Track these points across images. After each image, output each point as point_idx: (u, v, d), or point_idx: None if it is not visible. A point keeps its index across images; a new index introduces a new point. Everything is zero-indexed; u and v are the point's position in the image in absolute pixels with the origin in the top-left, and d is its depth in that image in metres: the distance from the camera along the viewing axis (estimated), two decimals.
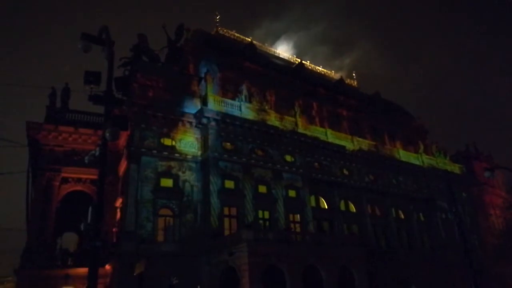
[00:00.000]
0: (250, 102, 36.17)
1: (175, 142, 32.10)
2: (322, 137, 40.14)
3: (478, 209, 54.73)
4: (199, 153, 32.79)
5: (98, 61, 12.38)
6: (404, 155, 48.14)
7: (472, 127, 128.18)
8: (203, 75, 35.98)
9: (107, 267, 30.03)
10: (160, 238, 29.01)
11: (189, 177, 31.72)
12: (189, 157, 32.21)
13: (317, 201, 38.36)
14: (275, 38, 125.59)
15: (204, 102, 33.59)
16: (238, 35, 50.78)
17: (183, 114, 32.66)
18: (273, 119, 36.83)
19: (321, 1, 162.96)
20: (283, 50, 67.77)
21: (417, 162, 48.96)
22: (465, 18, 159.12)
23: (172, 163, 31.32)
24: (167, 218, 29.92)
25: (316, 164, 39.21)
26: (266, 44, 54.96)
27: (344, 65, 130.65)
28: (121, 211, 30.69)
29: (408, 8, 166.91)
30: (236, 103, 35.26)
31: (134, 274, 22.28)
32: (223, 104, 34.38)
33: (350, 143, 42.55)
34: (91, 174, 32.37)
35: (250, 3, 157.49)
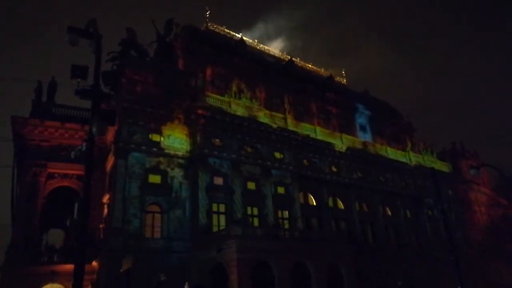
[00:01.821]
0: (239, 98, 36.08)
1: (164, 138, 31.87)
2: (311, 134, 40.27)
3: (464, 206, 55.59)
4: (188, 149, 32.62)
5: (85, 55, 12.19)
6: (391, 153, 48.61)
7: (458, 126, 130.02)
8: (192, 71, 35.74)
9: (94, 263, 29.75)
10: (148, 234, 28.85)
11: (177, 173, 31.57)
12: (177, 153, 32.03)
13: (306, 198, 38.56)
14: (268, 36, 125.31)
15: (193, 98, 33.38)
16: (228, 31, 50.48)
17: (172, 109, 32.44)
18: (262, 115, 36.81)
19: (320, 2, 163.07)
20: (276, 47, 67.62)
21: (404, 160, 49.47)
22: (462, 17, 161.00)
23: (161, 159, 31.12)
24: (155, 214, 29.77)
25: (305, 161, 39.35)
26: (257, 41, 54.72)
27: (335, 62, 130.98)
28: (108, 207, 30.39)
29: (404, 6, 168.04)
30: (226, 99, 35.13)
31: (121, 271, 22.06)
32: (212, 100, 34.22)
33: (339, 140, 42.78)
34: (78, 170, 31.94)
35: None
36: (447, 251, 36.10)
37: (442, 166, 54.31)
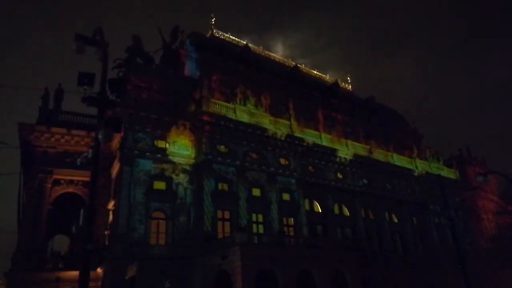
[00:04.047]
0: (244, 105, 36.12)
1: (169, 145, 31.95)
2: (317, 141, 40.16)
3: (471, 214, 55.03)
4: (193, 155, 32.65)
5: (92, 62, 12.28)
6: (398, 160, 48.33)
7: (465, 132, 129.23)
8: (197, 78, 35.90)
9: (99, 270, 29.74)
10: (153, 241, 28.81)
11: (182, 179, 31.58)
12: (182, 159, 32.07)
13: (311, 205, 38.34)
14: (275, 42, 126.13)
15: (199, 104, 33.49)
16: (233, 37, 50.75)
17: (177, 116, 32.54)
18: (267, 122, 36.80)
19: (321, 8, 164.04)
20: (282, 53, 67.91)
21: (410, 167, 49.15)
22: (462, 19, 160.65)
23: (166, 166, 31.17)
24: (160, 221, 29.74)
25: (310, 167, 39.22)
26: (262, 47, 54.88)
27: (341, 68, 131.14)
28: (113, 213, 30.42)
29: (405, 9, 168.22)
30: (231, 105, 35.18)
31: (126, 278, 22.06)
32: (217, 106, 34.29)
33: (344, 147, 42.63)
34: (84, 176, 32.11)
35: (256, 6, 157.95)
36: (454, 259, 35.74)
37: (449, 173, 53.89)
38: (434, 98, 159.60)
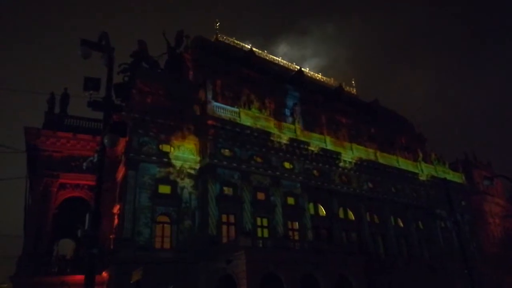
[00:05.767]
0: (249, 109, 36.17)
1: (174, 149, 32.04)
2: (321, 145, 40.09)
3: (477, 218, 54.61)
4: (198, 159, 32.73)
5: (98, 66, 12.36)
6: (403, 163, 48.08)
7: (471, 136, 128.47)
8: (202, 82, 36.00)
9: (104, 274, 29.78)
10: (158, 245, 28.84)
11: (187, 183, 31.63)
12: (187, 163, 32.15)
13: (316, 209, 38.25)
14: (277, 47, 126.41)
15: (203, 108, 33.59)
16: (238, 42, 50.96)
17: (182, 120, 32.64)
18: (272, 126, 36.79)
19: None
20: (284, 57, 67.96)
21: (416, 170, 48.90)
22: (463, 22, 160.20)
23: (171, 170, 31.24)
24: (165, 225, 29.77)
25: (315, 171, 39.15)
26: (266, 52, 55.03)
27: (342, 72, 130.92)
28: (118, 217, 30.50)
29: (405, 12, 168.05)
30: (235, 110, 35.22)
31: (131, 282, 22.08)
32: (222, 111, 34.34)
33: (349, 150, 42.52)
34: (89, 180, 32.17)
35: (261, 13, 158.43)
36: (460, 264, 35.45)
37: (454, 177, 53.48)
38: (438, 101, 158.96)
